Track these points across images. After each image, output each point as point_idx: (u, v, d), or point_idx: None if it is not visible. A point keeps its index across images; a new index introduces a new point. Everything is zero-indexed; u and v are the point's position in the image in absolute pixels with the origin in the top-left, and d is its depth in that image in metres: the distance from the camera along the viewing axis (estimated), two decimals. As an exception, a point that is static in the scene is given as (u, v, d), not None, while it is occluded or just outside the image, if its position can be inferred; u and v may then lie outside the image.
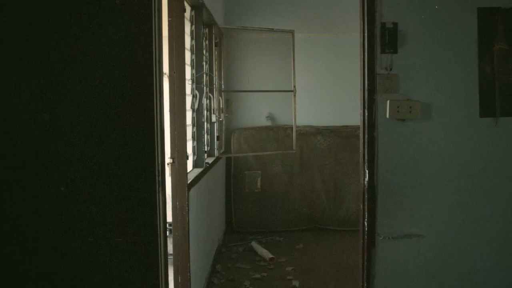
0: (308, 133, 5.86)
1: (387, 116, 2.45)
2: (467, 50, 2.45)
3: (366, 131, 2.47)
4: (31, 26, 1.99)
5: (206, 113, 4.47)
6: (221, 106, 5.24)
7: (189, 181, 3.14)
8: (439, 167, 2.48)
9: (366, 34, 2.44)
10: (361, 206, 2.54)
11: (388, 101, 2.44)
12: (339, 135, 5.86)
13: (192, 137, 4.13)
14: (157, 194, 2.08)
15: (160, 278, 2.11)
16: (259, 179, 5.78)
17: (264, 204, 5.80)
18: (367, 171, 2.48)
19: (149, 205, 2.06)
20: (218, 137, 4.96)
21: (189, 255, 3.06)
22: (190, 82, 3.94)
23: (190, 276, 3.06)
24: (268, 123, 5.98)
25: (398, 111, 2.44)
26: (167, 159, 2.91)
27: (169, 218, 2.91)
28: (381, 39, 2.43)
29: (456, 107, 2.46)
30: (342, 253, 4.95)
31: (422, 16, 2.43)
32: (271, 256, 4.80)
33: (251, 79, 5.79)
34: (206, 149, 4.40)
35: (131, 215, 2.06)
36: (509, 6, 2.44)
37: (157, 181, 2.08)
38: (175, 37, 2.91)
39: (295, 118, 5.19)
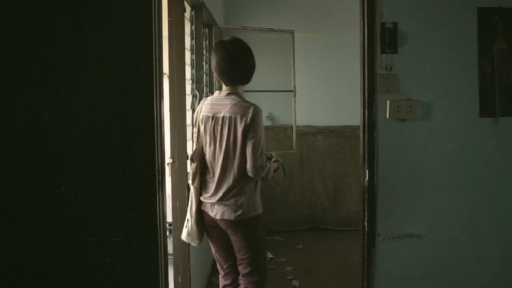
0: (308, 133, 5.86)
1: (387, 116, 2.45)
2: (467, 50, 2.45)
3: (366, 131, 2.47)
4: (31, 26, 1.99)
5: (206, 113, 4.46)
6: (221, 106, 5.23)
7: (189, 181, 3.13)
8: (439, 167, 2.48)
9: (366, 34, 2.44)
10: (361, 206, 2.54)
11: (388, 101, 2.44)
12: (339, 135, 5.86)
13: (192, 137, 4.12)
14: (157, 194, 2.08)
15: (160, 278, 2.11)
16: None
17: (264, 204, 5.78)
18: (367, 171, 2.48)
19: (149, 205, 2.06)
20: (218, 137, 4.95)
21: (189, 255, 3.06)
22: (190, 82, 3.93)
23: (190, 276, 3.06)
24: (268, 123, 5.98)
25: (398, 111, 2.44)
26: (167, 159, 2.92)
27: (169, 218, 2.92)
28: (381, 39, 2.43)
29: (456, 107, 2.46)
30: (342, 253, 4.95)
31: (422, 16, 2.43)
32: (271, 256, 4.78)
33: (251, 79, 5.78)
34: (206, 149, 4.39)
35: (131, 215, 2.06)
36: (509, 6, 2.44)
37: (157, 181, 2.08)
38: (175, 37, 2.91)
39: (295, 118, 5.19)
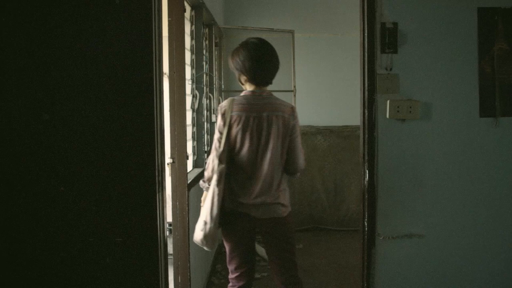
0: (308, 133, 5.86)
1: (387, 116, 2.45)
2: (467, 50, 2.45)
3: (366, 131, 2.47)
4: (31, 26, 1.99)
5: (206, 113, 4.47)
6: (221, 106, 5.22)
7: (189, 181, 3.14)
8: (439, 167, 2.48)
9: (366, 34, 2.44)
10: (361, 206, 2.54)
11: (388, 101, 2.45)
12: (339, 135, 5.86)
13: (192, 137, 4.13)
14: (157, 194, 2.08)
15: (160, 278, 2.11)
16: (259, 179, 5.76)
17: (264, 204, 5.78)
18: (367, 171, 2.48)
19: (149, 205, 2.06)
20: (218, 137, 4.94)
21: (189, 255, 3.06)
22: (190, 82, 3.94)
23: (190, 276, 3.06)
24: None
25: (398, 111, 2.44)
26: (167, 159, 2.91)
27: (169, 218, 2.92)
28: (381, 39, 2.43)
29: (456, 107, 2.46)
30: (342, 253, 4.95)
31: (422, 16, 2.44)
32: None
33: (251, 79, 5.78)
34: (206, 149, 4.40)
35: (131, 215, 2.06)
36: (509, 6, 2.44)
37: (157, 181, 2.08)
38: (175, 37, 2.91)
39: (295, 118, 5.18)
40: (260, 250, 4.98)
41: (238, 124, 2.63)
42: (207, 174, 2.70)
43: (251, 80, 2.70)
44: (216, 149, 2.65)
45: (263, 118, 2.62)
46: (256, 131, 2.62)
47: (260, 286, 4.17)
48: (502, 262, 2.51)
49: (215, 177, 2.63)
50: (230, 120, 2.63)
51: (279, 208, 2.66)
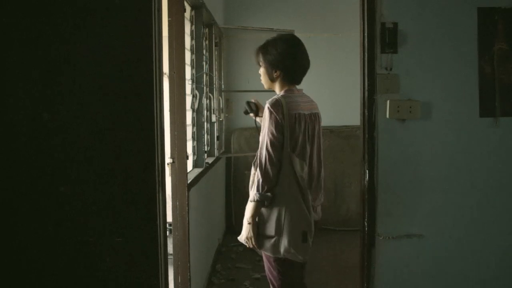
0: (308, 133, 5.86)
1: (387, 116, 2.45)
2: (467, 50, 2.45)
3: (366, 131, 2.47)
4: (31, 26, 1.99)
5: (206, 113, 4.47)
6: (221, 106, 5.24)
7: (189, 181, 3.14)
8: (439, 167, 2.48)
9: (366, 34, 2.44)
10: (361, 206, 2.54)
11: (388, 101, 2.45)
12: (339, 135, 5.86)
13: (192, 137, 4.13)
14: (157, 194, 2.08)
15: (160, 278, 2.11)
16: (259, 179, 5.75)
17: (264, 204, 5.78)
18: (367, 171, 2.48)
19: (149, 205, 2.06)
20: (218, 137, 4.96)
21: (189, 255, 3.06)
22: (190, 82, 3.94)
23: (190, 276, 3.06)
24: (268, 123, 5.96)
25: (398, 111, 2.44)
26: (167, 159, 2.91)
27: (169, 218, 2.92)
28: (381, 39, 2.43)
29: (456, 107, 2.47)
30: (342, 253, 4.95)
31: (422, 16, 2.44)
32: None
33: (251, 79, 5.78)
34: (206, 149, 4.40)
35: (131, 215, 2.06)
36: (509, 6, 2.44)
37: (157, 181, 2.08)
38: (175, 37, 2.91)
39: (295, 118, 5.17)
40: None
41: (298, 124, 2.47)
42: (269, 183, 2.42)
43: (289, 77, 2.56)
44: (277, 152, 2.42)
45: (312, 116, 2.58)
46: (311, 131, 2.55)
47: (260, 286, 4.17)
48: (502, 262, 2.51)
49: (300, 182, 2.47)
50: (289, 120, 2.45)
51: (320, 208, 2.73)
